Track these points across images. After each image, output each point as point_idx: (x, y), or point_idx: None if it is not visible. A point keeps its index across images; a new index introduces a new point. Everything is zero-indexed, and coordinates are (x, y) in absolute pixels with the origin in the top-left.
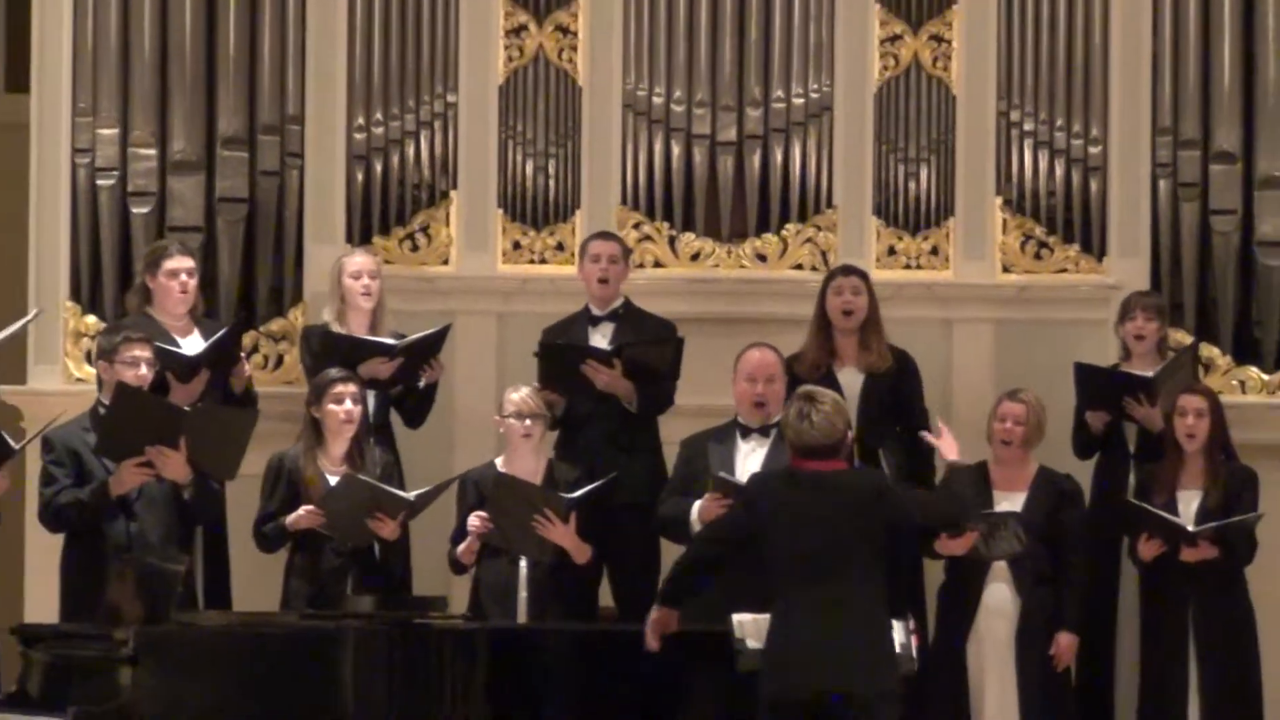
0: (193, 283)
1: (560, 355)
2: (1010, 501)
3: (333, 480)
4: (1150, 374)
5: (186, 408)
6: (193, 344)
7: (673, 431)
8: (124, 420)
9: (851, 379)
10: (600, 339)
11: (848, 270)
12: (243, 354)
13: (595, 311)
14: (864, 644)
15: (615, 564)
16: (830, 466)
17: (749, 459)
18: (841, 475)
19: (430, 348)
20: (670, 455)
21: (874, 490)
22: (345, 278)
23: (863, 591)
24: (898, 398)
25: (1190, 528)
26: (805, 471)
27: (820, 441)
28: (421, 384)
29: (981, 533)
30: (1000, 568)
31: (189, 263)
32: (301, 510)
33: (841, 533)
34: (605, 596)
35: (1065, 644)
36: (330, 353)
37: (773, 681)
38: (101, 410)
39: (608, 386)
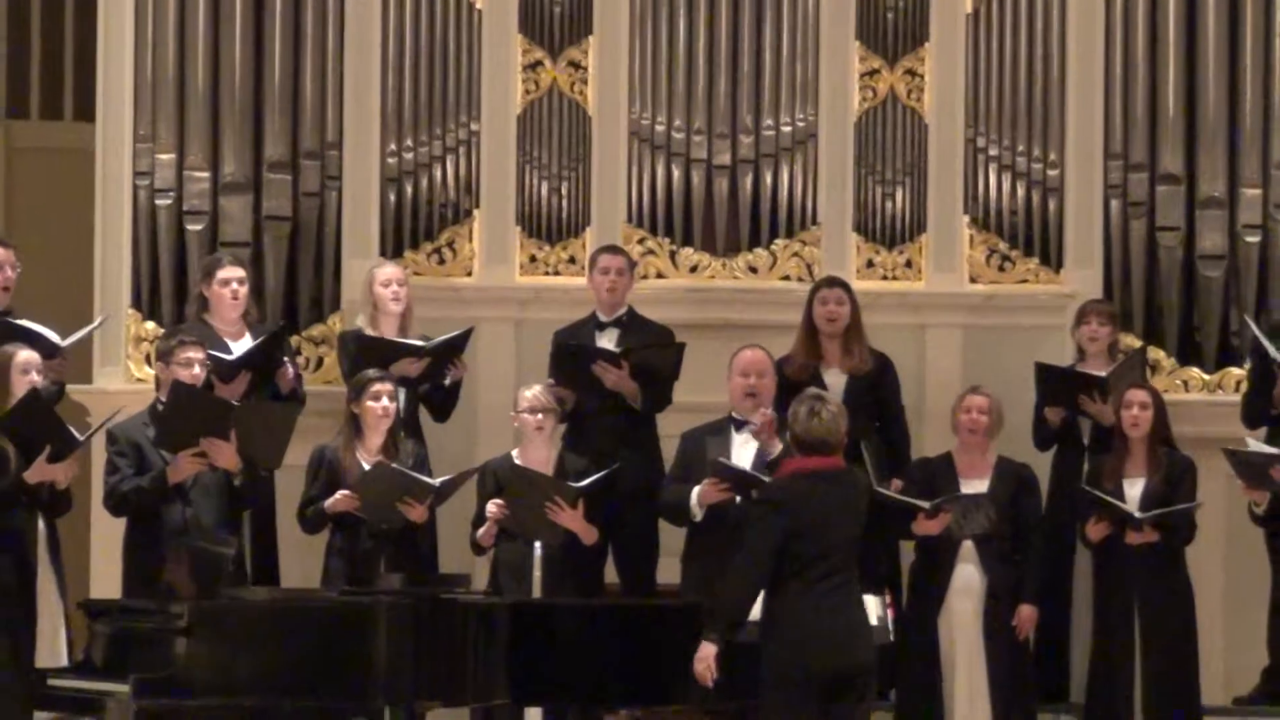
0: (244, 290)
1: (573, 355)
2: (974, 487)
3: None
4: (1103, 374)
5: (235, 402)
6: (243, 347)
7: (671, 426)
8: (179, 415)
9: (835, 379)
10: (606, 342)
11: (832, 282)
12: (287, 360)
13: (602, 318)
14: (860, 624)
15: (619, 545)
16: (832, 463)
17: (742, 449)
18: (845, 474)
19: (454, 349)
20: (667, 448)
21: (863, 489)
22: (377, 286)
23: (853, 577)
24: (877, 397)
25: (1136, 514)
26: (823, 471)
27: (826, 438)
28: (447, 382)
29: (955, 514)
30: (968, 548)
31: (240, 273)
32: (338, 494)
33: (848, 526)
34: (609, 576)
35: (1026, 615)
36: (365, 353)
37: (787, 660)
38: (160, 407)
39: (615, 385)
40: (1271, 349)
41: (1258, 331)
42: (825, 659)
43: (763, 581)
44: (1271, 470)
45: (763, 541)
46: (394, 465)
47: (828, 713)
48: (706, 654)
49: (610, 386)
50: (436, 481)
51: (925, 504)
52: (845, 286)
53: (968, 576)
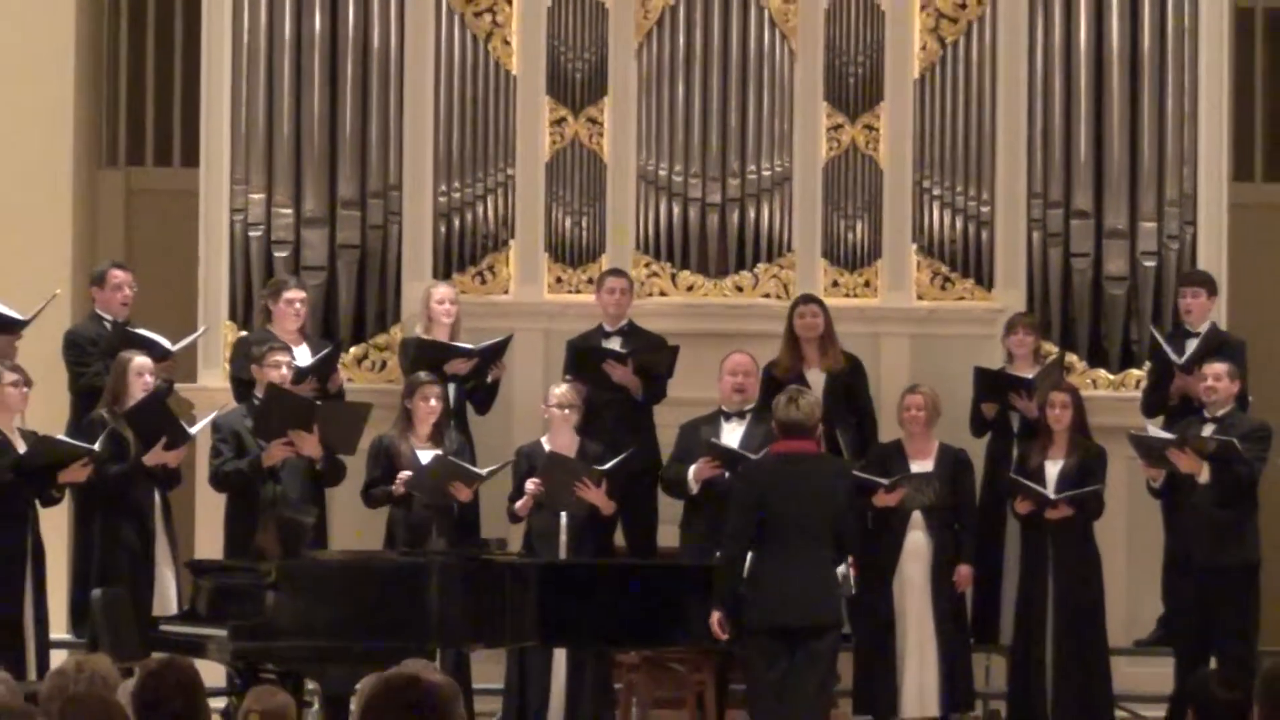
0: (304, 309)
1: (587, 356)
2: (920, 468)
3: (421, 454)
4: (1029, 376)
5: (318, 402)
6: (301, 354)
7: (670, 417)
8: (273, 411)
9: (816, 377)
10: (613, 347)
11: (808, 299)
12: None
13: (608, 328)
14: (823, 584)
15: (626, 515)
16: (804, 445)
17: (730, 435)
18: (812, 459)
19: (496, 353)
20: (664, 436)
21: (837, 473)
22: (432, 303)
23: (822, 545)
24: (850, 391)
25: (1052, 495)
26: (789, 454)
27: (801, 421)
28: (489, 380)
29: (909, 489)
30: (917, 518)
31: (302, 294)
32: (401, 476)
33: (812, 503)
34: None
35: (964, 573)
36: (424, 354)
37: (759, 612)
38: (255, 402)
39: (621, 380)
40: (1170, 352)
41: (1160, 338)
42: (792, 611)
43: (740, 539)
44: (1167, 452)
45: (736, 507)
46: (451, 459)
47: (794, 654)
48: (714, 617)
49: (617, 381)
50: (484, 471)
51: (885, 481)
52: (819, 302)
53: (917, 541)
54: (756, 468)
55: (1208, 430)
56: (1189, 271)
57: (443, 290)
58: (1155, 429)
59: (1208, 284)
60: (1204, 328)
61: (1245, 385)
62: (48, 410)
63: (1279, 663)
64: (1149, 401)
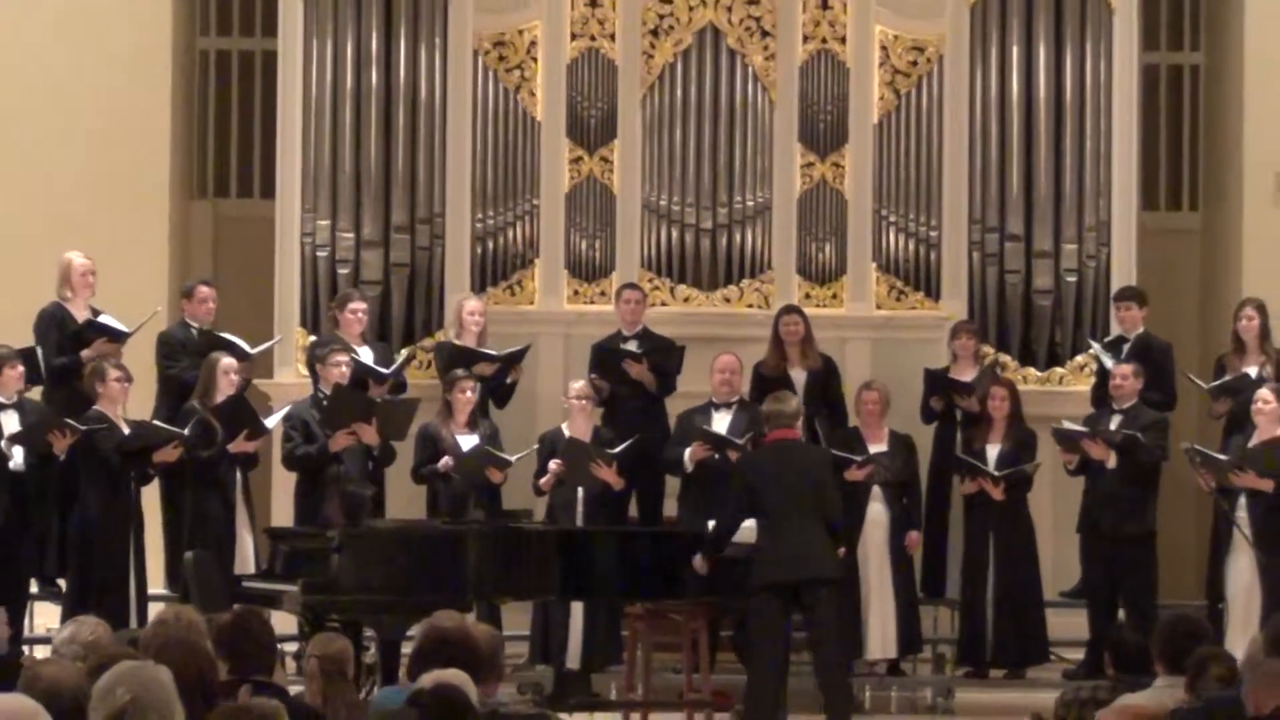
0: (365, 318)
1: (608, 357)
2: (875, 449)
3: (460, 439)
4: (969, 380)
5: (377, 399)
6: (364, 356)
7: (676, 408)
8: (340, 407)
9: (798, 375)
10: (630, 349)
11: (791, 309)
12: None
13: (625, 333)
14: (815, 545)
15: (640, 490)
16: (789, 434)
17: (720, 423)
18: (797, 445)
19: (516, 359)
20: (674, 424)
21: (819, 460)
22: (464, 314)
23: (814, 515)
24: (826, 387)
25: (995, 473)
26: (778, 442)
27: (787, 414)
28: (509, 380)
29: (874, 467)
30: (877, 492)
31: (364, 305)
32: (444, 460)
33: (799, 480)
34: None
35: (914, 538)
36: (456, 358)
37: (763, 572)
38: (321, 398)
39: (639, 376)
40: (1105, 357)
41: (1097, 348)
42: (784, 570)
43: (734, 511)
44: (1081, 442)
45: (734, 486)
46: (487, 447)
47: (789, 610)
48: (699, 562)
49: (635, 378)
50: (514, 458)
51: (857, 458)
52: (800, 312)
53: (877, 512)
54: (752, 455)
55: (1115, 421)
56: (1124, 287)
57: (472, 304)
58: (1071, 423)
59: (1139, 298)
60: (1136, 334)
61: (1171, 381)
62: (145, 403)
63: (1175, 614)
64: (1095, 397)
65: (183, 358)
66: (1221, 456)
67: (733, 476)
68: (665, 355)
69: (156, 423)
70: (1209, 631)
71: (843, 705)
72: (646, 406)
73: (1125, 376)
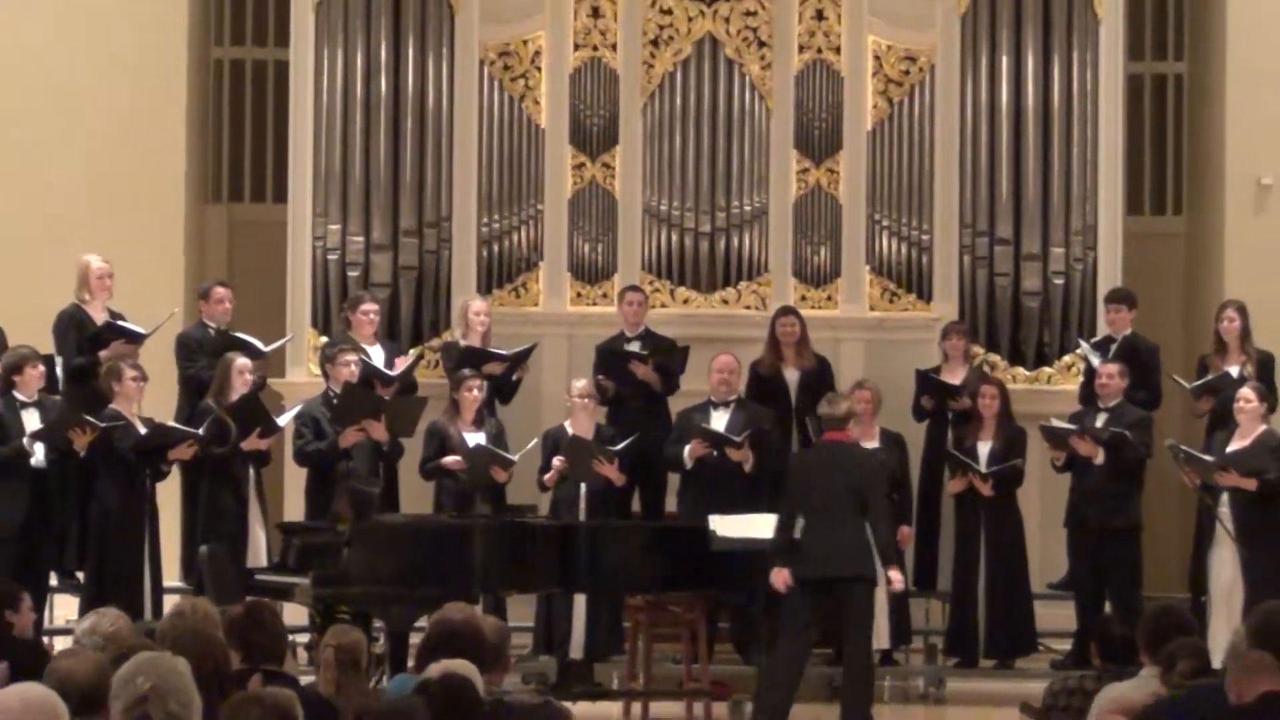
0: (376, 319)
1: (615, 358)
2: (868, 447)
3: (467, 436)
4: (959, 383)
5: (386, 397)
6: (375, 355)
7: (679, 406)
8: (349, 403)
9: (792, 374)
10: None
11: (788, 310)
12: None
13: (628, 334)
14: (852, 544)
15: (644, 485)
16: (840, 436)
17: (718, 421)
18: (844, 446)
19: (522, 358)
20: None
21: (863, 463)
22: (470, 315)
23: (852, 513)
24: (820, 385)
25: (983, 469)
26: (827, 443)
27: (836, 417)
28: (514, 378)
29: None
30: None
31: (375, 307)
32: (450, 459)
33: (841, 480)
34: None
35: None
36: (464, 359)
37: (797, 566)
38: (333, 397)
39: (644, 377)
40: (1093, 357)
41: (1086, 347)
42: (812, 567)
43: (786, 518)
44: (1069, 439)
45: (788, 485)
46: (489, 447)
47: (820, 605)
48: (775, 575)
49: (641, 378)
50: (515, 456)
51: None
52: (797, 313)
53: None
54: (801, 455)
55: (1101, 419)
56: (1115, 290)
57: (477, 304)
58: (1059, 421)
59: (1128, 300)
60: (1123, 335)
61: (1157, 381)
62: (163, 401)
63: (1160, 605)
64: (1084, 395)
65: (201, 358)
66: (1205, 457)
67: (788, 472)
68: (670, 355)
69: (172, 423)
70: (1193, 623)
71: (864, 697)
72: (650, 405)
73: (1111, 376)
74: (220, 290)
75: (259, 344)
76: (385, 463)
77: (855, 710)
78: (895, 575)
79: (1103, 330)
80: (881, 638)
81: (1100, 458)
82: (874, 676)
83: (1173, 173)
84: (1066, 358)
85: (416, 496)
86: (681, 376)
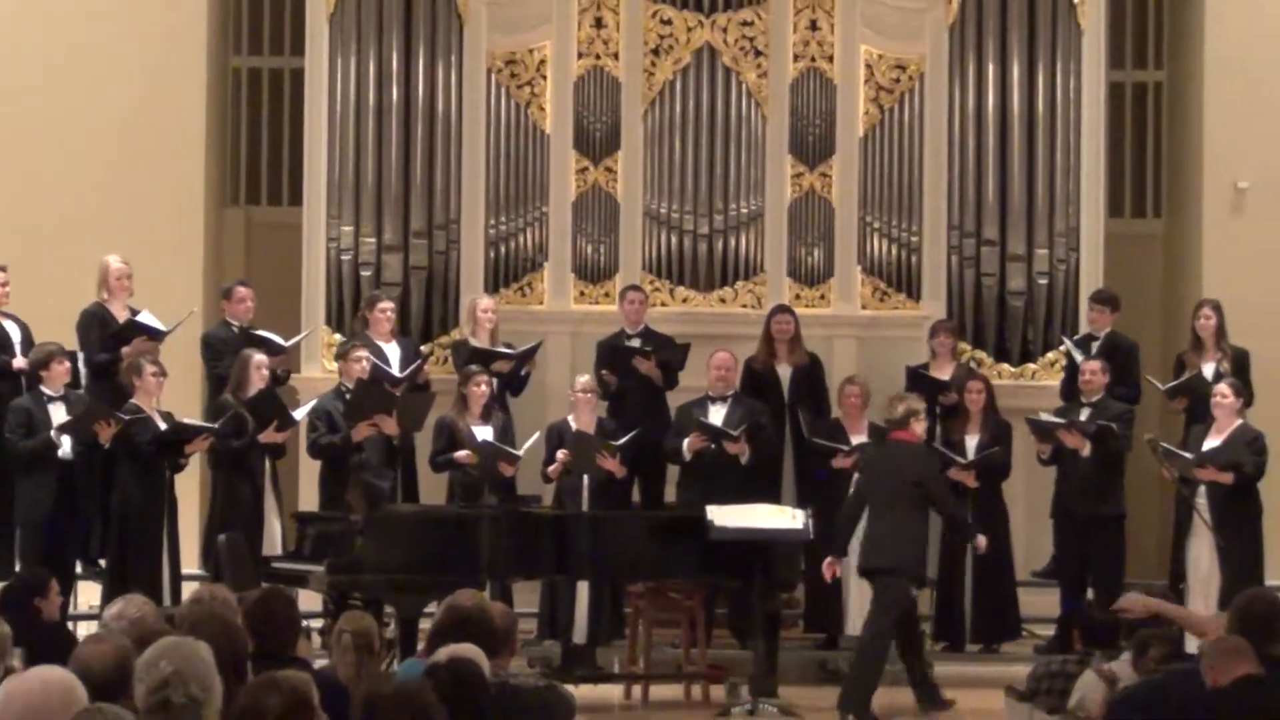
0: (393, 317)
1: (620, 353)
2: (856, 439)
3: (475, 430)
4: (947, 378)
5: (396, 394)
6: (391, 351)
7: (676, 401)
8: (362, 401)
9: (785, 370)
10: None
11: (783, 309)
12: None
13: (629, 331)
14: (889, 540)
15: (643, 476)
16: (901, 435)
17: (715, 415)
18: (902, 445)
19: (528, 355)
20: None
21: (916, 460)
22: (478, 312)
23: (905, 511)
24: (810, 381)
25: (961, 460)
26: (890, 441)
27: (894, 418)
28: (523, 373)
29: (860, 456)
30: (856, 479)
31: (391, 305)
32: (461, 453)
33: (894, 479)
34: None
35: None
36: (474, 357)
37: (868, 558)
38: (345, 392)
39: (647, 372)
40: (1076, 354)
41: (1070, 345)
42: (871, 557)
43: (848, 513)
44: (1055, 432)
45: (855, 481)
46: (495, 443)
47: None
48: (827, 564)
49: (644, 373)
50: (520, 452)
51: (844, 448)
52: (791, 311)
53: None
54: (867, 452)
55: (1085, 414)
56: (1097, 291)
57: (485, 302)
58: (1047, 414)
59: (1111, 302)
60: (1105, 333)
61: (1137, 377)
62: (183, 395)
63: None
64: (1065, 391)
65: (226, 355)
66: (1184, 453)
67: (856, 468)
68: (671, 352)
69: (187, 420)
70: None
71: (866, 683)
72: (650, 400)
73: (1094, 372)
74: (242, 289)
75: (279, 340)
76: (397, 455)
77: (853, 694)
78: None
79: (1084, 328)
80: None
81: (1087, 450)
82: (880, 665)
83: (1152, 177)
84: (1050, 354)
85: (430, 489)
86: (681, 373)
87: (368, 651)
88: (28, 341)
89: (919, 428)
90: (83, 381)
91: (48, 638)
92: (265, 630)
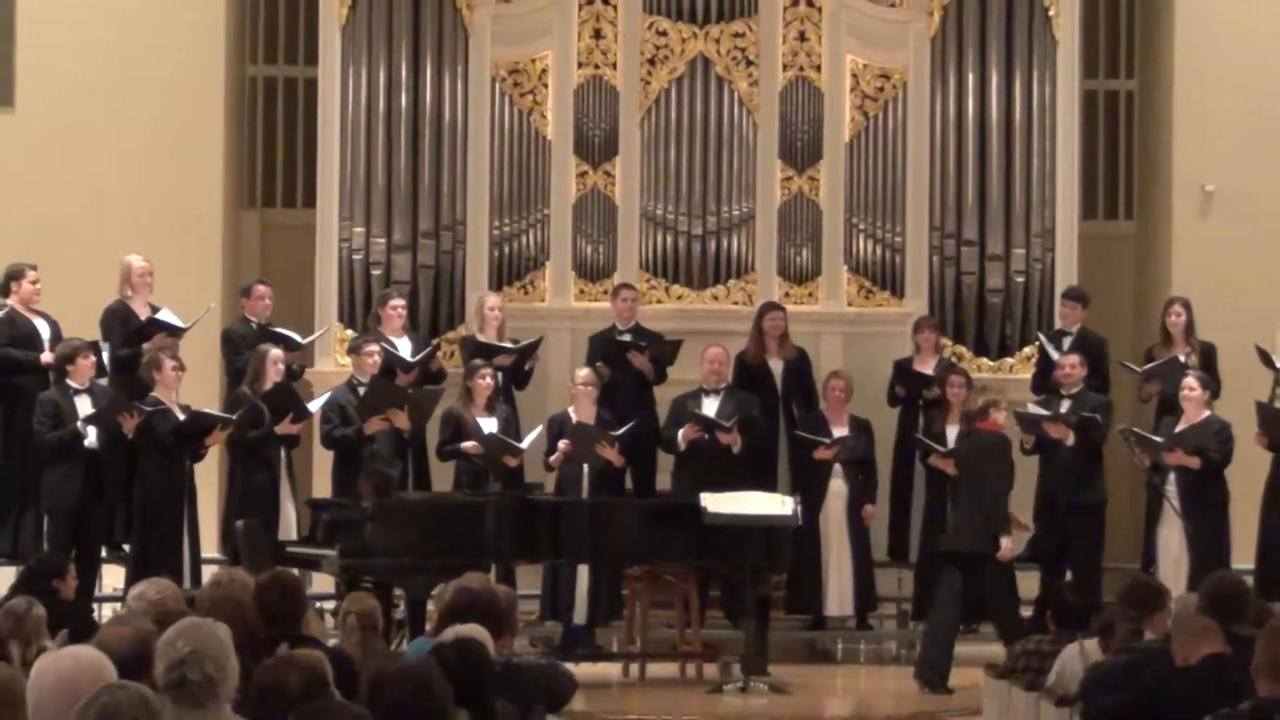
0: (404, 313)
1: (615, 347)
2: (838, 432)
3: (481, 421)
4: (930, 373)
5: (410, 390)
6: (403, 345)
7: (664, 394)
8: (376, 396)
9: (776, 364)
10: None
11: (774, 306)
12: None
13: (620, 327)
14: (964, 525)
15: (633, 466)
16: (983, 425)
17: (709, 407)
18: (982, 434)
19: (530, 350)
20: (662, 408)
21: (989, 449)
22: (485, 309)
23: (981, 494)
24: (799, 376)
25: (940, 449)
26: (975, 430)
27: (973, 411)
28: (526, 368)
29: (840, 449)
30: (837, 468)
31: (402, 302)
32: (468, 444)
33: (974, 464)
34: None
35: (869, 511)
36: (479, 351)
37: (952, 541)
38: (358, 385)
39: (641, 366)
40: (1051, 349)
41: (1044, 340)
42: (949, 540)
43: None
44: (1041, 424)
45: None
46: (501, 436)
47: (963, 574)
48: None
49: (638, 367)
50: (523, 444)
51: (826, 440)
52: (782, 308)
53: (838, 487)
54: (961, 443)
55: (1065, 405)
56: (1069, 288)
57: (492, 299)
58: (1034, 406)
59: (1082, 299)
60: (1076, 329)
61: (1106, 370)
62: (201, 388)
63: (1136, 578)
64: (1036, 385)
65: (244, 350)
66: (1155, 437)
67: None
68: (665, 347)
69: (206, 410)
70: (1168, 591)
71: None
72: (639, 392)
73: (1074, 366)
74: (260, 288)
75: (296, 336)
76: (404, 445)
77: (931, 667)
78: (1005, 543)
79: (1058, 324)
80: (845, 604)
81: (1071, 439)
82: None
83: (1124, 180)
84: (1027, 349)
85: (439, 476)
86: (671, 367)
87: (372, 630)
88: (57, 338)
89: (999, 417)
90: (107, 374)
91: (65, 616)
92: (272, 611)
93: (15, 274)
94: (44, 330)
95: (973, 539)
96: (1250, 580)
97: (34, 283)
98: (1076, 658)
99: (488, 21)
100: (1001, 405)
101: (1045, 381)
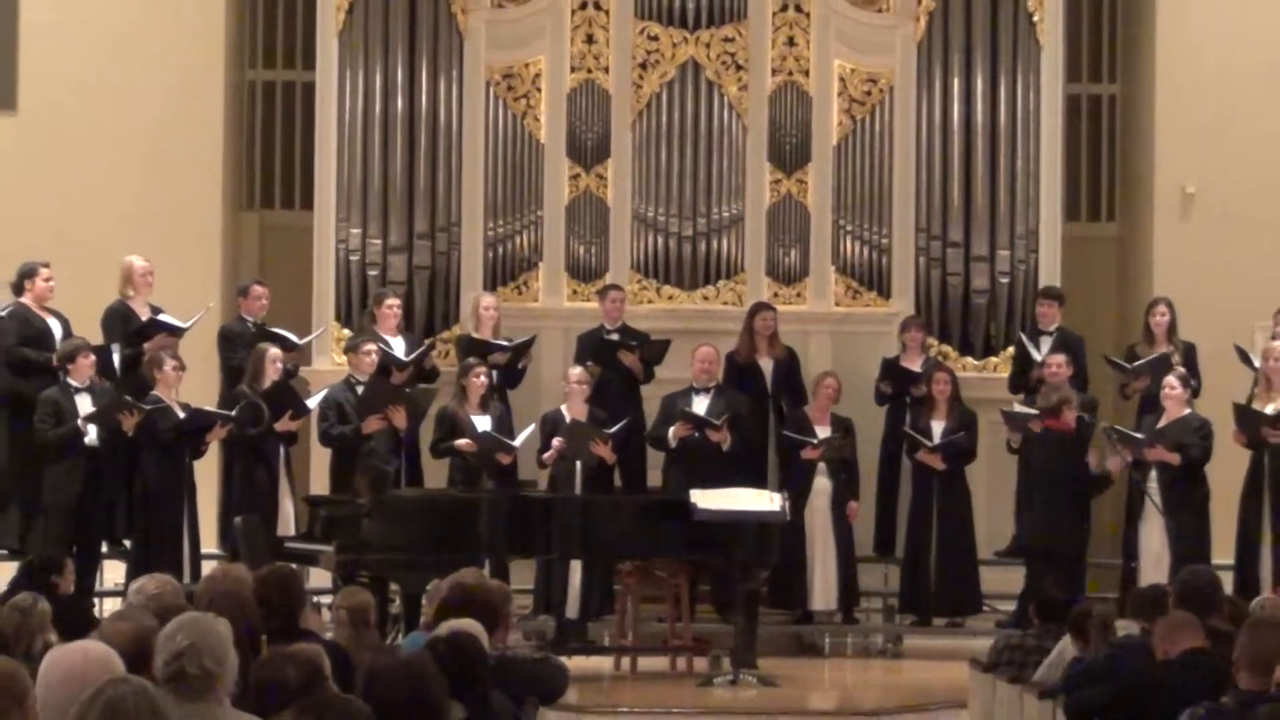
0: (399, 313)
1: (605, 346)
2: (822, 431)
3: (475, 419)
4: (918, 369)
5: (408, 389)
6: (397, 344)
7: (653, 391)
8: (374, 395)
9: (766, 363)
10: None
11: (765, 306)
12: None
13: (608, 327)
14: (1033, 521)
15: (622, 464)
16: (1051, 422)
17: (699, 405)
18: (1044, 435)
19: (526, 347)
20: (648, 406)
21: (1058, 440)
22: (479, 309)
23: (1056, 489)
24: (788, 374)
25: (928, 443)
26: (1045, 427)
27: (1042, 407)
28: (520, 366)
29: (825, 449)
30: (822, 466)
31: (397, 302)
32: (462, 441)
33: (1044, 460)
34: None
35: (853, 508)
36: (474, 349)
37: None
38: (355, 383)
39: (631, 365)
40: (1031, 348)
41: (1024, 339)
42: (1024, 534)
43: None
44: (1028, 423)
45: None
46: (494, 434)
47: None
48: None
49: (628, 366)
50: (516, 442)
51: (813, 440)
52: (772, 308)
53: (822, 484)
54: (1030, 441)
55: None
56: (1045, 287)
57: (488, 299)
58: (1021, 406)
59: (1059, 298)
60: (1054, 328)
61: (1085, 369)
62: (201, 387)
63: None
64: (1014, 384)
65: (241, 348)
66: (1136, 434)
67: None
68: (654, 347)
69: (206, 408)
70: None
71: None
72: (627, 391)
73: (1060, 365)
74: (258, 288)
75: (293, 336)
76: (400, 442)
77: None
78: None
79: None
80: (829, 599)
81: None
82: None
83: (1107, 183)
84: (1011, 348)
85: (433, 473)
86: (660, 367)
87: (364, 625)
88: (68, 336)
89: (1069, 416)
90: (116, 373)
91: (64, 611)
92: (269, 606)
93: (29, 272)
94: (56, 329)
95: (1054, 535)
96: (1230, 576)
97: (47, 280)
98: (1068, 651)
99: (482, 26)
100: (1073, 404)
101: (1023, 381)
